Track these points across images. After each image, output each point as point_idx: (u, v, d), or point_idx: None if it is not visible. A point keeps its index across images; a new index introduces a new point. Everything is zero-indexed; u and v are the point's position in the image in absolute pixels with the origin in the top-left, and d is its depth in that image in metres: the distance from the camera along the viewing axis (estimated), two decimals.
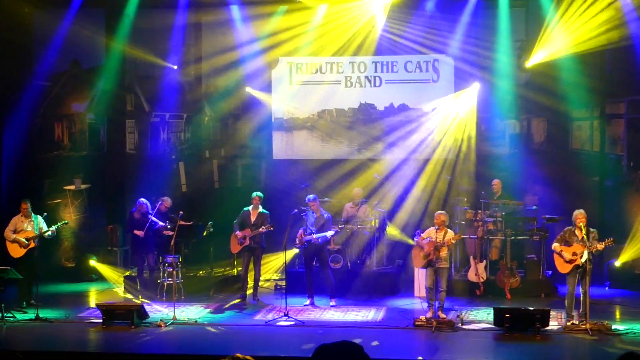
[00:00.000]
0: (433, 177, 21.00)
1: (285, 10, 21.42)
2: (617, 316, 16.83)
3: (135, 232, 18.72)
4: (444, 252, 16.04)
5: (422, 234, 16.46)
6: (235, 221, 18.19)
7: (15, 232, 17.55)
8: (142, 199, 18.89)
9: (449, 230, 16.24)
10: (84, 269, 21.04)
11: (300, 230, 17.75)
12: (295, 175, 21.48)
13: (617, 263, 19.09)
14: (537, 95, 20.57)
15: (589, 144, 20.66)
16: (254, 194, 18.21)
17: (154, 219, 18.63)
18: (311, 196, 17.91)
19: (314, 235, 17.54)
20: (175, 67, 21.89)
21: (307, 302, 17.73)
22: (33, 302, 17.13)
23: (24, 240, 17.37)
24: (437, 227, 16.15)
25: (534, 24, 20.57)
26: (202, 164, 22.44)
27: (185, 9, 21.32)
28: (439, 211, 16.55)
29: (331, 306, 17.58)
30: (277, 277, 20.10)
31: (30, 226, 17.52)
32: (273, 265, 20.17)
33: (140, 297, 18.30)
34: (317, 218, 17.74)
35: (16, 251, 17.47)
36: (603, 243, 15.42)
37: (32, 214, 17.68)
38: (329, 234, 17.73)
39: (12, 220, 17.70)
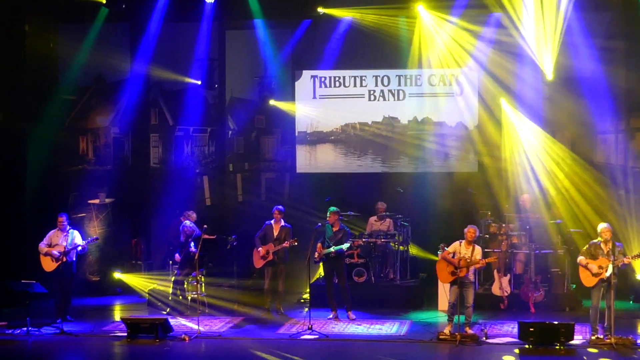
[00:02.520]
0: (457, 191, 20.98)
1: (309, 23, 21.51)
2: None
3: (177, 256, 18.95)
4: (462, 273, 16.04)
5: (447, 248, 16.40)
6: (257, 235, 18.23)
7: (50, 246, 17.51)
8: (187, 223, 18.94)
9: (476, 246, 16.21)
10: (108, 282, 21.14)
11: (319, 244, 17.78)
12: (319, 188, 21.47)
13: (638, 276, 19.04)
14: (561, 108, 20.52)
15: (614, 157, 20.57)
16: (276, 207, 18.24)
17: (191, 246, 18.69)
18: (332, 209, 17.97)
19: (331, 249, 17.60)
20: (199, 82, 21.96)
21: (331, 315, 17.74)
22: (69, 317, 17.29)
23: (57, 254, 17.36)
24: (467, 241, 16.10)
25: (558, 37, 20.52)
26: (226, 177, 22.49)
27: (209, 23, 21.40)
28: (471, 225, 16.37)
29: (351, 320, 17.59)
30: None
31: (65, 241, 17.47)
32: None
33: (167, 310, 18.39)
34: (336, 232, 17.79)
35: (48, 265, 17.45)
36: (630, 257, 15.40)
37: (69, 229, 17.68)
38: (345, 246, 17.78)
39: (49, 234, 17.64)
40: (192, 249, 18.48)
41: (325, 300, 18.00)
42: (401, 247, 19.92)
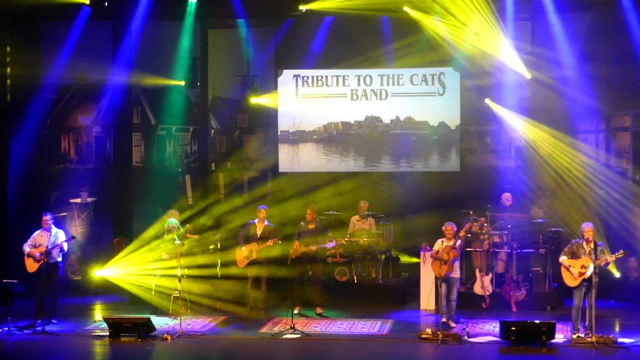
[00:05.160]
0: (439, 190, 21.01)
1: (291, 23, 21.51)
2: (623, 329, 16.79)
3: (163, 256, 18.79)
4: (456, 264, 16.39)
5: (429, 248, 16.65)
6: (239, 234, 18.26)
7: (34, 246, 17.28)
8: (172, 220, 18.93)
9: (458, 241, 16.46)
10: (90, 281, 21.07)
11: (296, 242, 17.80)
12: (301, 187, 21.49)
13: (617, 274, 19.19)
14: (542, 108, 20.61)
15: (595, 156, 20.64)
16: (261, 206, 18.27)
17: (176, 239, 18.66)
18: (311, 207, 18.13)
19: (312, 247, 17.68)
20: (183, 82, 21.90)
21: (296, 310, 17.74)
22: (54, 321, 17.24)
23: (37, 255, 17.15)
24: (447, 238, 16.45)
25: (539, 37, 20.62)
26: (208, 176, 22.46)
27: (192, 22, 21.37)
28: (448, 223, 16.74)
29: (318, 314, 17.87)
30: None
31: (49, 241, 17.27)
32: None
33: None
34: (312, 229, 17.91)
35: (31, 265, 17.23)
36: (613, 256, 15.48)
37: (54, 228, 17.47)
38: (329, 246, 17.99)
39: (34, 235, 17.40)
40: (177, 241, 18.46)
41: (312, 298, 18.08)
42: (383, 247, 19.95)
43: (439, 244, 16.65)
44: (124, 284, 19.91)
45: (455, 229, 16.69)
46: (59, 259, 17.43)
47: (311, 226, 17.96)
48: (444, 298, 16.55)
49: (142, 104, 22.47)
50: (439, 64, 21.18)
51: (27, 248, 17.29)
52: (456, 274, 16.69)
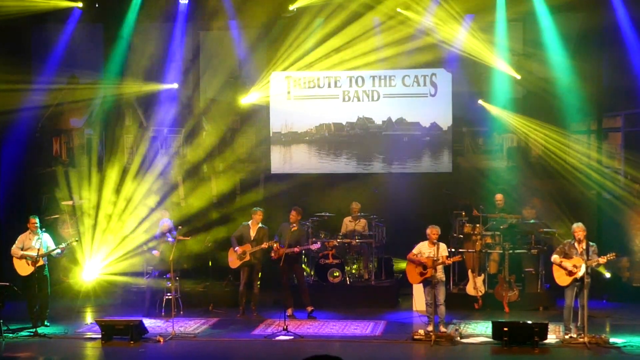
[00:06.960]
0: (432, 191, 21.00)
1: (282, 24, 21.50)
2: (615, 329, 16.80)
3: (154, 252, 18.65)
4: (439, 267, 16.12)
5: (413, 251, 16.41)
6: (232, 235, 18.23)
7: (22, 249, 17.24)
8: (165, 219, 18.88)
9: (441, 243, 16.28)
10: (82, 284, 21.00)
11: (276, 244, 17.76)
12: (293, 189, 21.46)
13: (608, 274, 19.22)
14: (534, 108, 20.63)
15: (586, 157, 20.66)
16: (257, 209, 18.21)
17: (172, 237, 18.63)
18: (296, 208, 18.16)
19: (295, 249, 17.65)
20: (176, 85, 21.85)
21: (289, 312, 17.73)
22: (47, 323, 17.20)
23: (34, 255, 17.06)
24: (433, 241, 16.18)
25: (531, 38, 20.66)
26: (200, 178, 22.43)
27: (183, 24, 21.37)
28: (433, 226, 16.41)
29: (309, 313, 17.84)
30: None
31: (39, 243, 17.17)
32: None
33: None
34: (294, 232, 17.81)
35: (24, 269, 17.16)
36: (605, 257, 15.47)
37: (40, 231, 17.44)
38: (314, 247, 18.03)
39: (20, 237, 17.37)
40: (170, 239, 18.36)
41: (300, 300, 18.04)
42: (375, 248, 19.94)
43: (421, 247, 16.33)
44: (116, 286, 19.95)
45: (439, 232, 16.50)
46: (46, 261, 17.42)
47: (294, 228, 17.89)
48: (430, 305, 16.21)
49: (133, 106, 22.44)
50: (431, 65, 21.16)
51: (18, 251, 17.22)
52: (441, 276, 16.31)
